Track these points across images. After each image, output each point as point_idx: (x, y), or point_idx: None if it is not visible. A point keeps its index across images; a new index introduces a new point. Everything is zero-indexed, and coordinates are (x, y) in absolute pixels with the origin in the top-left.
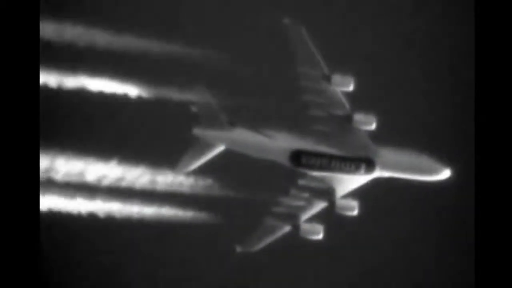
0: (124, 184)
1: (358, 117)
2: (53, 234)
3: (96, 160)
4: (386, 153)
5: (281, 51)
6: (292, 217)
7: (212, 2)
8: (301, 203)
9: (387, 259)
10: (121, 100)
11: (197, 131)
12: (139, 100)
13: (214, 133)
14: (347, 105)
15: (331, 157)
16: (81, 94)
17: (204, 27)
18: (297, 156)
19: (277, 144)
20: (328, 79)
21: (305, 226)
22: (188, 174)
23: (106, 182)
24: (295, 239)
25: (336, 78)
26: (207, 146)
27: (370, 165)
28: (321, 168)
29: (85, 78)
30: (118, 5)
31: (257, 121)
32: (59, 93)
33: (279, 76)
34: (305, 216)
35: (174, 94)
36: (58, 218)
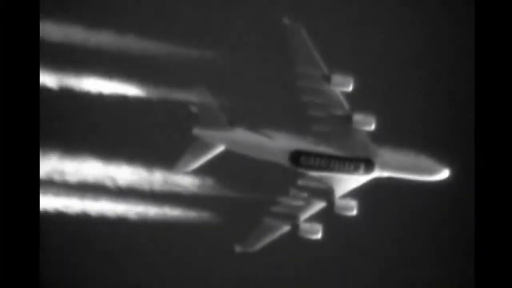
0: (123, 184)
1: (358, 117)
2: (53, 234)
3: (96, 160)
4: (385, 153)
5: (280, 51)
6: (291, 217)
7: (212, 2)
8: (300, 203)
9: (386, 259)
10: (121, 100)
11: (197, 131)
12: (139, 100)
13: (214, 133)
14: (347, 105)
15: (330, 157)
16: (81, 94)
17: (204, 27)
18: (296, 156)
19: (277, 144)
20: (327, 79)
21: (304, 226)
22: (188, 174)
23: (105, 183)
24: (294, 238)
25: (336, 78)
26: (207, 146)
27: (369, 165)
28: (321, 168)
29: (85, 78)
30: (118, 5)
31: (257, 121)
32: (59, 93)
33: (278, 76)
34: (304, 216)
35: (174, 94)
36: (58, 219)
